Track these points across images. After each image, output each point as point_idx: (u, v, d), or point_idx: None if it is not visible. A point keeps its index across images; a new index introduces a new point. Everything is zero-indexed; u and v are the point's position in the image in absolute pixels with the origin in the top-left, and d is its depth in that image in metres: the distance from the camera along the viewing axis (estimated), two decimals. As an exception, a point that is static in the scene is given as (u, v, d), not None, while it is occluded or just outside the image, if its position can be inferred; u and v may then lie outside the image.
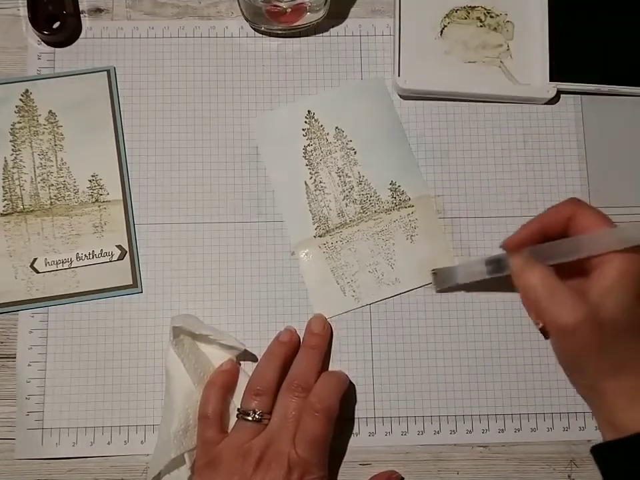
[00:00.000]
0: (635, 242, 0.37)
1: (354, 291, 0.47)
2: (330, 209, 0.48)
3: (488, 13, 0.50)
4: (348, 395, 0.45)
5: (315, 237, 0.47)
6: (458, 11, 0.49)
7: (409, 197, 0.48)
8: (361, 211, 0.48)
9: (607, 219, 0.39)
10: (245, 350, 0.45)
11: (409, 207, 0.48)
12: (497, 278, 0.42)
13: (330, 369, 0.46)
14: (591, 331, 0.37)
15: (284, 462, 0.40)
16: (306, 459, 0.40)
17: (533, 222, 0.41)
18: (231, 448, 0.41)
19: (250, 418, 0.42)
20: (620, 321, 0.37)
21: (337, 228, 0.48)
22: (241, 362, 0.46)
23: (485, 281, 0.43)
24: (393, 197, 0.48)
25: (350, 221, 0.48)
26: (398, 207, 0.48)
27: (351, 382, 0.46)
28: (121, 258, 0.47)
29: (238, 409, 0.43)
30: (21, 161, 0.48)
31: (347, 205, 0.48)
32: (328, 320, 0.46)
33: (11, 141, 0.48)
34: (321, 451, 0.42)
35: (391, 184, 0.48)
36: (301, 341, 0.46)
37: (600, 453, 0.39)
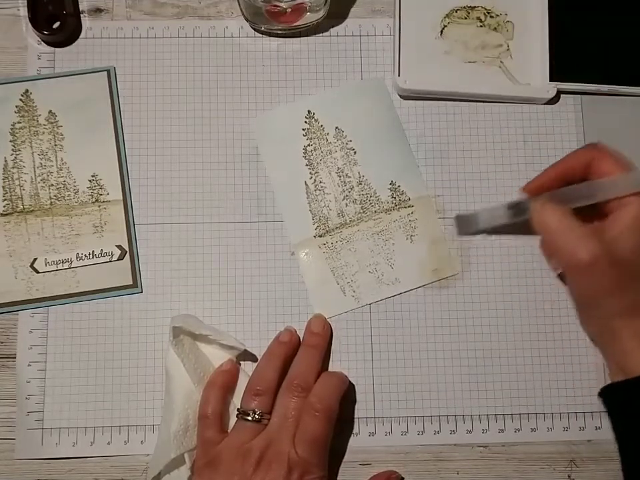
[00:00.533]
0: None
1: (354, 291, 0.47)
2: (330, 209, 0.48)
3: (488, 12, 0.50)
4: (348, 395, 0.45)
5: (314, 237, 0.47)
6: (458, 11, 0.49)
7: (408, 197, 0.48)
8: (361, 211, 0.48)
9: (625, 163, 0.40)
10: (245, 350, 0.45)
11: (408, 207, 0.48)
12: (520, 225, 0.43)
13: (330, 369, 0.46)
14: (607, 269, 0.37)
15: (284, 462, 0.40)
16: (306, 459, 0.40)
17: (554, 167, 0.42)
18: (231, 448, 0.41)
19: (250, 418, 0.42)
20: (635, 262, 0.37)
21: (336, 228, 0.48)
22: (241, 362, 0.46)
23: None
24: (392, 197, 0.48)
25: (350, 221, 0.48)
26: (398, 207, 0.48)
27: (350, 382, 0.46)
28: (121, 258, 0.47)
29: (238, 409, 0.43)
30: (20, 161, 0.48)
31: (346, 205, 0.48)
32: (328, 320, 0.46)
33: (11, 141, 0.48)
34: (321, 450, 0.42)
35: (390, 184, 0.48)
36: (301, 340, 0.46)
37: (608, 393, 0.39)
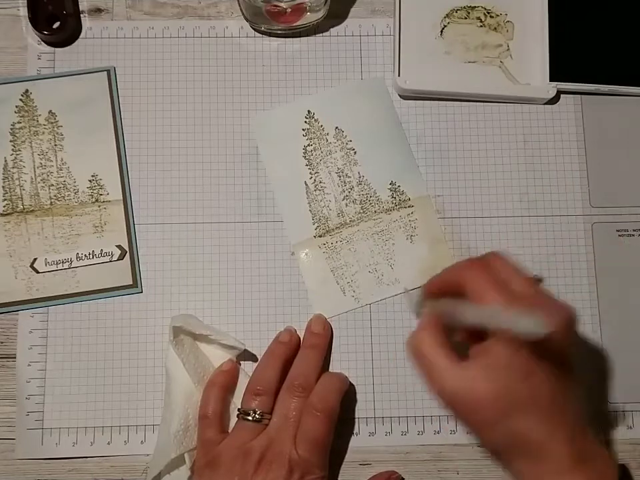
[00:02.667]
0: (501, 325, 0.34)
1: (354, 291, 0.47)
2: (330, 209, 0.48)
3: (488, 12, 0.50)
4: (348, 395, 0.45)
5: (314, 237, 0.47)
6: (458, 11, 0.49)
7: (408, 197, 0.48)
8: (361, 211, 0.48)
9: (492, 289, 0.35)
10: (245, 350, 0.45)
11: (408, 207, 0.48)
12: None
13: (330, 369, 0.46)
14: (467, 405, 0.35)
15: (285, 462, 0.40)
16: (307, 459, 0.40)
17: (446, 272, 0.39)
18: (231, 448, 0.41)
19: (250, 418, 0.42)
20: (493, 406, 0.35)
21: (336, 228, 0.48)
22: (242, 362, 0.46)
23: None
24: (392, 197, 0.48)
25: (350, 221, 0.48)
26: (398, 207, 0.48)
27: (350, 382, 0.46)
28: (121, 258, 0.47)
29: (238, 409, 0.43)
30: (21, 161, 0.48)
31: (346, 205, 0.48)
32: (328, 320, 0.46)
33: (11, 141, 0.48)
34: (321, 451, 0.41)
35: (390, 184, 0.48)
36: (301, 340, 0.46)
37: None
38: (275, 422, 0.42)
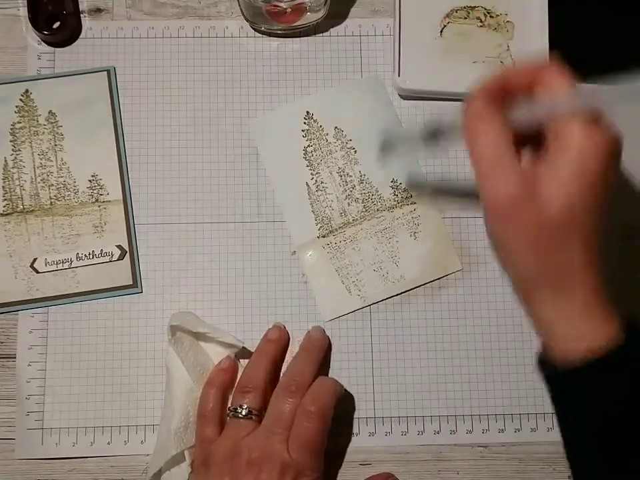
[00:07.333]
0: (588, 105, 0.31)
1: (359, 290, 0.47)
2: (332, 209, 0.48)
3: (488, 12, 0.50)
4: (348, 395, 0.45)
5: (318, 237, 0.47)
6: (458, 11, 0.50)
7: (410, 194, 0.48)
8: (364, 210, 0.48)
9: (570, 81, 0.32)
10: (246, 349, 0.45)
11: (411, 204, 0.48)
12: None
13: (331, 368, 0.46)
14: (526, 222, 0.31)
15: (276, 464, 0.39)
16: (299, 461, 0.40)
17: (496, 78, 0.34)
18: (223, 447, 0.41)
19: (240, 415, 0.42)
20: (561, 223, 0.31)
21: (340, 228, 0.48)
22: (241, 360, 0.46)
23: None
24: (394, 195, 0.48)
25: (353, 220, 0.48)
26: (400, 204, 0.48)
27: (350, 382, 0.46)
28: (121, 258, 0.47)
29: (229, 408, 0.43)
30: (21, 161, 0.48)
31: (349, 205, 0.48)
32: (337, 318, 0.46)
33: (11, 141, 0.48)
34: (314, 452, 0.41)
35: (392, 182, 0.48)
36: (291, 339, 0.46)
37: (547, 367, 0.34)
38: (267, 423, 0.41)
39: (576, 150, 0.30)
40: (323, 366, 0.45)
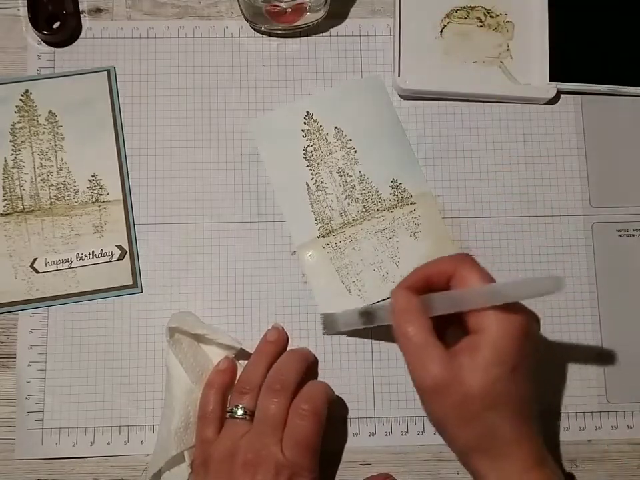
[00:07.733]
0: (508, 299, 0.35)
1: (359, 290, 0.47)
2: (332, 209, 0.48)
3: (488, 12, 0.50)
4: (348, 395, 0.45)
5: (318, 237, 0.47)
6: (458, 11, 0.50)
7: (410, 194, 0.48)
8: (364, 210, 0.48)
9: (488, 276, 0.37)
10: (245, 350, 0.45)
11: (411, 203, 0.48)
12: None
13: (330, 369, 0.46)
14: (450, 399, 0.35)
15: (271, 465, 0.39)
16: (293, 461, 0.40)
17: (421, 269, 0.39)
18: (221, 449, 0.41)
19: (237, 416, 0.42)
20: (482, 399, 0.35)
21: (340, 228, 0.48)
22: (241, 361, 0.46)
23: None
24: (394, 195, 0.48)
25: (353, 220, 0.48)
26: (400, 204, 0.48)
27: (350, 382, 0.46)
28: (121, 258, 0.47)
29: (227, 409, 0.43)
30: (21, 161, 0.48)
31: (349, 204, 0.48)
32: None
33: (11, 141, 0.48)
34: (309, 452, 0.41)
35: (392, 181, 0.48)
36: (289, 339, 0.46)
37: None
38: (255, 423, 0.41)
39: (491, 344, 0.35)
40: (312, 367, 0.46)
